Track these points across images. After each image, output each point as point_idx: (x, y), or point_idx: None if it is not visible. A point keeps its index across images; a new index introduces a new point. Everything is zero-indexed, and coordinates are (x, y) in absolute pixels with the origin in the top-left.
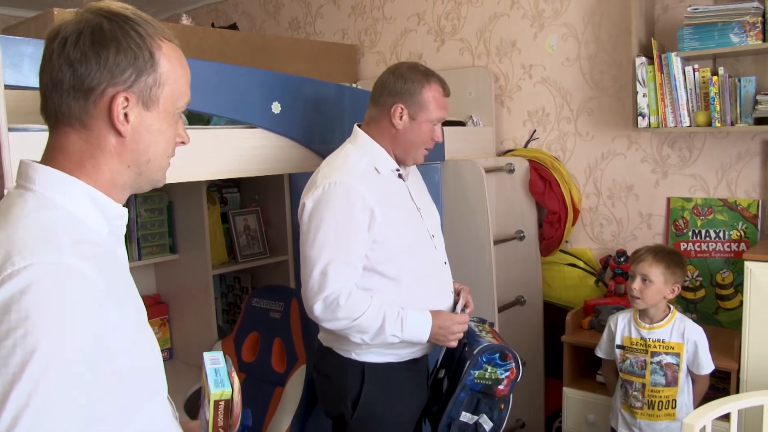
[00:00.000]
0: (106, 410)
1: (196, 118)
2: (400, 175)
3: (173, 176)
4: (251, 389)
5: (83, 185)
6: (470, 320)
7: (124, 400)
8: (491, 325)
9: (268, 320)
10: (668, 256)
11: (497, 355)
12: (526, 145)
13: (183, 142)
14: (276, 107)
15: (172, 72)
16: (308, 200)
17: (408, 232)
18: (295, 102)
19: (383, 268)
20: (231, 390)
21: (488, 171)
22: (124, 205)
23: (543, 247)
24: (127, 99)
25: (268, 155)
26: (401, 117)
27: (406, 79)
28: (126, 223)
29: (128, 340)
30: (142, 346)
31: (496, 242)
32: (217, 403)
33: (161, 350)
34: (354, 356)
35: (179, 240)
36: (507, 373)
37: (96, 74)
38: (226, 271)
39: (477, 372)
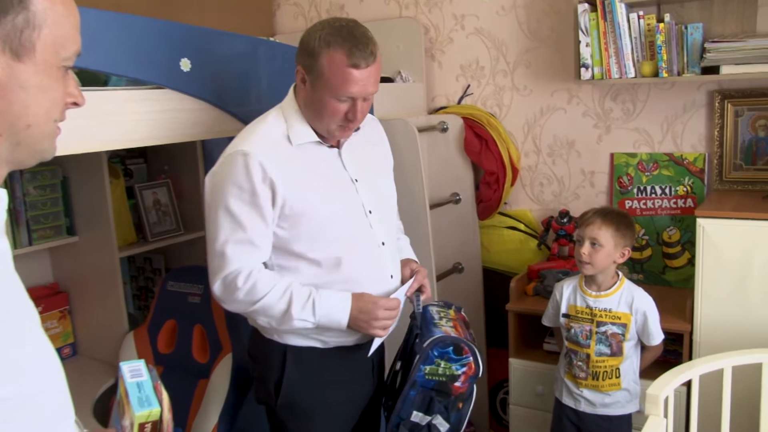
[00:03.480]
0: None
1: (91, 78)
2: (331, 144)
3: (65, 147)
4: (170, 383)
5: None
6: (433, 305)
7: None
8: (458, 310)
9: (187, 305)
10: (617, 217)
11: (451, 348)
12: (459, 102)
13: (76, 103)
14: (185, 64)
15: (50, 11)
16: (211, 173)
17: (331, 208)
18: (207, 58)
19: (299, 248)
20: (160, 409)
21: (420, 130)
22: (2, 186)
23: (480, 210)
24: None
25: (178, 120)
26: (303, 81)
27: (317, 35)
28: (6, 207)
29: (11, 365)
30: (34, 368)
31: (430, 207)
32: (142, 426)
33: (63, 346)
34: (276, 338)
35: (78, 220)
36: (464, 369)
37: None
38: (135, 252)
39: (428, 367)
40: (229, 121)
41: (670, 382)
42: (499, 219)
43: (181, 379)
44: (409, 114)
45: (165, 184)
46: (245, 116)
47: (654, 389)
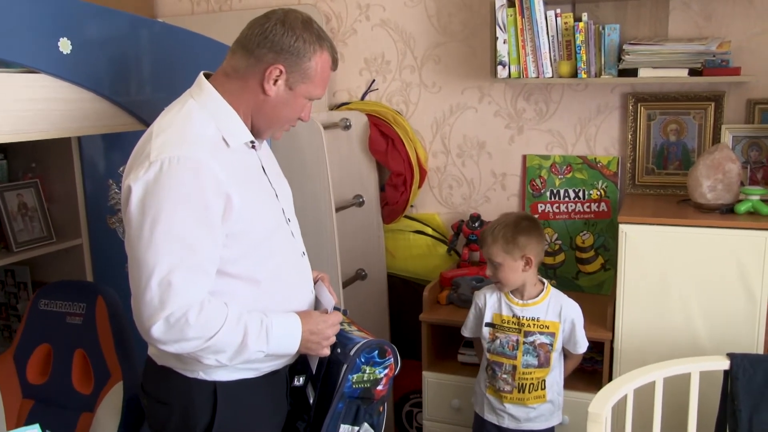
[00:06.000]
0: None
1: None
2: (252, 146)
3: None
4: (44, 419)
5: None
6: None
7: None
8: (345, 313)
9: (65, 327)
10: (503, 230)
11: (376, 352)
12: (363, 98)
13: None
14: (65, 45)
15: None
16: (138, 182)
17: (266, 221)
18: (92, 39)
19: (235, 269)
20: None
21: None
22: None
23: (386, 213)
24: None
25: (56, 111)
26: (276, 82)
27: (297, 35)
28: None
29: None
30: None
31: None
32: None
33: None
34: (202, 376)
35: None
36: (386, 371)
37: None
38: None
39: (355, 376)
40: (118, 115)
41: (610, 397)
42: (405, 223)
43: (58, 413)
44: None
45: (32, 185)
46: (136, 108)
47: (595, 407)
